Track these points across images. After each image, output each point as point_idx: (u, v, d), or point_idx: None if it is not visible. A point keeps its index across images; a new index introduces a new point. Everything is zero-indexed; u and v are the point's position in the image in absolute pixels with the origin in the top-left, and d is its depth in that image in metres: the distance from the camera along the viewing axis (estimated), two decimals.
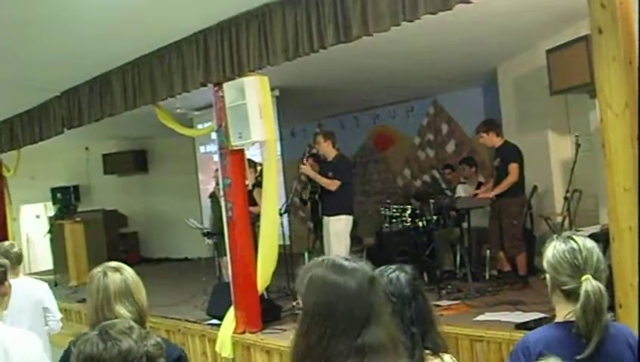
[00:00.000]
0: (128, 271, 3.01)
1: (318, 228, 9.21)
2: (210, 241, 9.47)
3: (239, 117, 6.83)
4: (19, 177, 12.29)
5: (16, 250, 5.37)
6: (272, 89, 7.63)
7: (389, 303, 2.34)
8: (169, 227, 15.79)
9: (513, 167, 7.96)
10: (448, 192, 10.07)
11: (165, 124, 8.45)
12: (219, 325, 7.32)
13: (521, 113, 9.66)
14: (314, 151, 9.26)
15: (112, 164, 16.95)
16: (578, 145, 7.21)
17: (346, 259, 1.93)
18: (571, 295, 2.51)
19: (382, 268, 2.55)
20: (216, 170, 8.44)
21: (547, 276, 2.62)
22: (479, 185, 9.67)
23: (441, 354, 2.47)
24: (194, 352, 7.79)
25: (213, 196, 9.33)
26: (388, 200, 10.27)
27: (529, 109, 9.37)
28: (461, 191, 9.79)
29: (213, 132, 7.82)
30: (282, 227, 8.64)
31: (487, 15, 6.92)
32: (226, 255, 7.64)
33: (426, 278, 8.72)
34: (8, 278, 5.21)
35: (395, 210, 9.27)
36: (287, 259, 8.45)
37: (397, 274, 2.54)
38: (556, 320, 2.62)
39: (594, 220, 7.38)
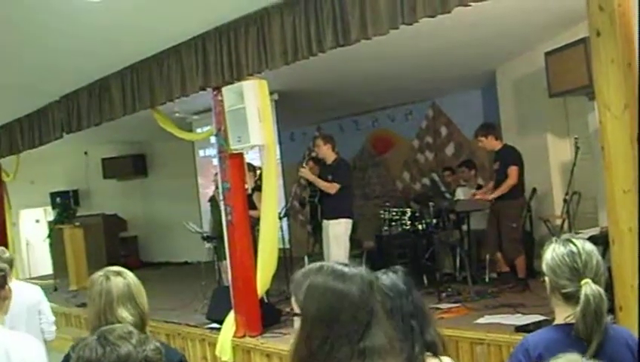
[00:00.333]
0: (130, 275, 3.01)
1: (317, 232, 9.21)
2: (209, 245, 9.46)
3: (238, 121, 6.83)
4: (18, 182, 12.30)
5: (7, 255, 5.36)
6: (271, 93, 7.63)
7: (387, 302, 2.38)
8: (169, 231, 15.79)
9: (512, 170, 7.97)
10: (448, 195, 10.06)
11: (164, 128, 8.46)
12: (219, 329, 7.31)
13: (520, 116, 9.67)
14: (313, 154, 9.27)
15: (112, 168, 16.94)
16: (577, 148, 7.22)
17: (345, 265, 1.94)
18: (571, 298, 2.50)
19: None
20: (216, 173, 8.44)
21: (546, 279, 2.62)
22: (479, 187, 9.68)
23: (441, 357, 2.47)
24: (194, 356, 7.79)
25: (213, 200, 9.32)
26: (387, 204, 10.27)
27: (528, 112, 9.38)
28: (460, 194, 9.78)
29: (213, 136, 7.82)
30: (282, 231, 8.63)
31: (486, 18, 6.92)
32: (225, 259, 7.63)
33: (425, 281, 8.72)
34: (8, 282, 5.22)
35: (394, 213, 9.27)
36: (287, 263, 8.44)
37: (389, 273, 2.56)
38: (555, 322, 2.61)
39: (593, 222, 7.38)
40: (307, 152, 9.58)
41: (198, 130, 11.77)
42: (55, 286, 12.99)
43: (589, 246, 2.58)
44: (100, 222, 16.00)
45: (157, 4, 6.26)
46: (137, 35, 7.09)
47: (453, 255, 9.28)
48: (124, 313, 2.87)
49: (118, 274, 2.99)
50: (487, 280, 8.64)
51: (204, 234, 9.60)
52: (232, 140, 6.98)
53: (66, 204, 16.54)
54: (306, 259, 9.17)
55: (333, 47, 5.80)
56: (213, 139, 8.72)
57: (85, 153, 16.52)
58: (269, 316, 7.38)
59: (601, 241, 4.83)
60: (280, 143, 10.37)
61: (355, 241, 9.20)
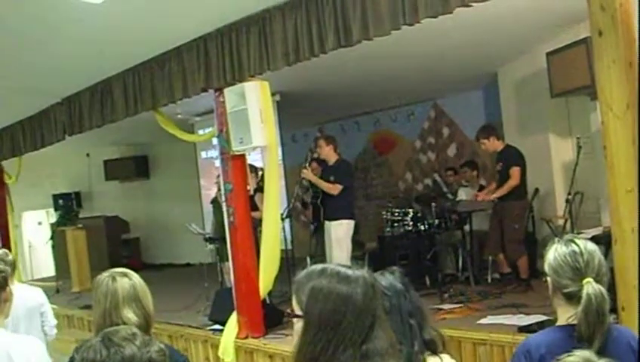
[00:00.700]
0: (135, 277, 3.02)
1: (318, 232, 9.21)
2: (212, 247, 9.46)
3: (240, 122, 6.83)
4: (20, 184, 12.30)
5: (9, 257, 5.37)
6: (273, 94, 7.64)
7: (386, 301, 2.38)
8: (171, 233, 15.80)
9: (515, 171, 7.97)
10: (450, 196, 10.06)
11: (166, 129, 8.45)
12: (221, 330, 7.31)
13: (522, 116, 9.66)
14: (315, 155, 9.27)
15: (114, 170, 16.95)
16: (579, 148, 7.22)
17: (348, 267, 1.94)
18: (573, 298, 2.50)
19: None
20: (218, 175, 8.44)
21: (548, 279, 2.62)
22: (481, 188, 9.67)
23: (440, 354, 2.48)
24: (197, 358, 7.79)
25: (215, 201, 9.33)
26: (389, 204, 10.26)
27: (530, 112, 9.37)
28: (463, 194, 9.78)
29: (215, 137, 7.82)
30: (284, 232, 8.63)
31: (488, 18, 6.92)
32: (228, 260, 7.63)
33: (428, 282, 8.72)
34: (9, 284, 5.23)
35: (396, 214, 9.26)
36: (289, 264, 8.44)
37: (386, 273, 2.57)
38: (558, 323, 2.61)
39: (596, 222, 7.37)
40: (309, 153, 9.57)
41: (200, 132, 11.76)
42: (57, 288, 12.99)
43: (591, 246, 2.58)
44: (102, 224, 16.01)
45: (158, 6, 6.27)
46: (139, 36, 7.10)
47: (456, 255, 9.29)
48: (130, 314, 2.87)
49: (124, 275, 2.99)
50: (489, 280, 8.64)
51: (207, 236, 9.61)
52: (234, 141, 6.98)
53: (68, 206, 16.57)
54: (308, 260, 9.18)
55: (335, 48, 5.80)
56: (215, 141, 8.73)
57: (87, 155, 16.50)
58: (271, 317, 7.37)
59: (604, 241, 4.84)
60: (282, 144, 10.35)
61: (357, 242, 9.20)
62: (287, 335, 6.89)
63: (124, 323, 2.75)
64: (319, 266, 1.96)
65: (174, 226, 14.87)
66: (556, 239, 2.67)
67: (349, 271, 1.91)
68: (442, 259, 9.23)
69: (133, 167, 16.88)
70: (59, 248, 14.48)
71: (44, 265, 16.62)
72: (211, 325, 7.81)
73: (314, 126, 14.63)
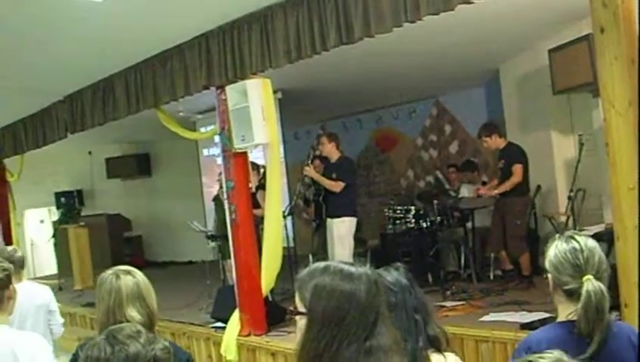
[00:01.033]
0: (139, 275, 3.02)
1: (320, 230, 9.21)
2: (214, 244, 9.46)
3: (242, 119, 6.83)
4: (22, 182, 12.31)
5: (19, 254, 5.39)
6: (275, 91, 7.65)
7: (392, 296, 2.40)
8: (173, 230, 15.81)
9: (517, 168, 7.96)
10: (452, 193, 10.07)
11: (168, 127, 8.45)
12: (224, 328, 7.32)
13: (524, 113, 9.66)
14: (317, 153, 9.27)
15: (116, 168, 16.96)
16: (581, 145, 7.21)
17: (351, 264, 1.94)
18: (573, 295, 2.51)
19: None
20: (220, 173, 8.45)
21: (549, 276, 2.63)
22: (483, 184, 9.68)
23: (445, 353, 2.48)
24: (199, 355, 7.80)
25: (217, 199, 9.33)
26: (391, 202, 10.27)
27: (532, 109, 9.37)
28: (465, 191, 9.79)
29: (216, 135, 7.82)
30: (286, 229, 8.64)
31: (489, 15, 6.92)
32: (230, 258, 7.64)
33: (430, 279, 8.72)
34: (13, 282, 5.25)
35: (398, 211, 9.27)
36: (292, 262, 8.45)
37: (391, 269, 2.57)
38: (558, 319, 2.62)
39: (598, 219, 7.37)
40: (311, 151, 9.58)
41: (202, 130, 11.77)
42: (60, 286, 13.00)
43: (592, 243, 2.59)
44: (104, 222, 16.01)
45: (160, 4, 6.27)
46: (140, 34, 7.10)
47: (458, 252, 9.29)
48: (133, 312, 2.87)
49: (128, 273, 2.99)
50: (491, 277, 8.64)
51: (209, 233, 9.61)
52: (236, 139, 6.98)
53: (70, 204, 16.59)
54: (310, 257, 9.17)
55: (337, 46, 5.80)
56: (217, 138, 8.74)
57: (89, 153, 16.52)
58: (273, 315, 7.38)
59: (606, 238, 4.84)
60: (284, 142, 10.36)
61: (359, 240, 9.20)
62: (289, 332, 6.90)
63: (128, 322, 2.74)
64: (322, 264, 1.96)
65: (176, 224, 14.87)
66: (557, 236, 2.67)
67: (352, 268, 1.92)
68: (444, 256, 9.24)
69: (135, 165, 16.88)
70: (61, 246, 14.49)
71: (47, 263, 16.64)
72: (214, 323, 7.82)
73: (316, 123, 14.62)
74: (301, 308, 1.91)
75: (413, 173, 13.59)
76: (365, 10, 5.45)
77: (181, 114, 10.49)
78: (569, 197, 7.39)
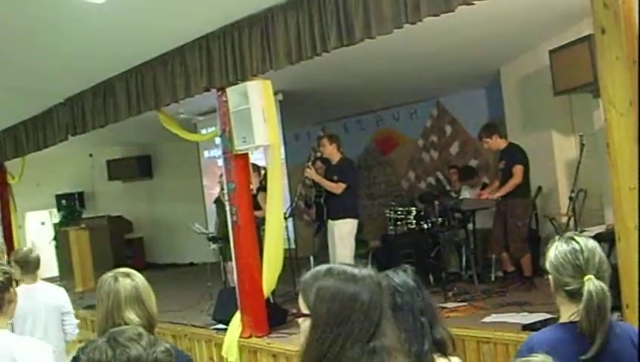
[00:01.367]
0: (139, 277, 3.01)
1: (322, 231, 9.21)
2: (215, 246, 9.46)
3: (243, 121, 6.84)
4: (24, 184, 12.32)
5: (35, 254, 5.42)
6: (276, 93, 7.65)
7: (398, 298, 2.43)
8: (174, 232, 15.83)
9: (518, 169, 7.95)
10: (453, 194, 10.07)
11: (169, 129, 8.45)
12: (225, 330, 7.32)
13: (525, 113, 9.66)
14: (318, 154, 9.27)
15: (117, 170, 16.97)
16: (582, 145, 7.20)
17: (354, 266, 1.95)
18: (574, 295, 2.51)
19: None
20: (221, 174, 8.45)
21: (550, 277, 2.62)
22: (484, 186, 9.68)
23: (450, 357, 2.48)
24: (200, 357, 7.80)
25: (218, 201, 9.33)
26: (393, 203, 10.29)
27: (533, 110, 9.37)
28: (466, 192, 9.79)
29: (217, 137, 7.82)
30: (287, 231, 8.64)
31: (490, 16, 6.91)
32: (231, 259, 7.63)
33: (431, 280, 8.72)
34: (27, 283, 5.28)
35: (400, 213, 9.27)
36: (293, 263, 8.46)
37: (399, 271, 2.58)
38: (560, 320, 2.62)
39: (599, 220, 7.37)
40: (312, 153, 9.59)
41: (203, 131, 11.77)
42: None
43: (592, 243, 2.59)
44: (105, 224, 16.02)
45: (160, 6, 6.27)
46: (141, 36, 7.10)
47: (459, 254, 9.29)
48: (132, 315, 2.86)
49: (127, 275, 2.98)
50: (493, 278, 8.63)
51: (210, 235, 9.61)
52: (237, 141, 6.98)
53: (71, 206, 16.62)
54: (311, 259, 9.19)
55: (338, 47, 5.80)
56: (217, 140, 8.74)
57: (90, 155, 16.52)
58: (275, 316, 7.38)
59: (608, 239, 4.84)
60: (284, 143, 10.36)
61: (360, 241, 9.19)
62: (290, 334, 6.90)
63: (126, 324, 2.74)
64: (325, 266, 1.97)
65: (177, 226, 14.90)
66: (557, 237, 2.67)
67: (355, 270, 1.92)
68: (446, 257, 9.23)
69: (136, 167, 16.90)
70: (62, 248, 14.50)
71: (48, 265, 16.52)
72: (215, 324, 7.82)
73: (317, 125, 14.63)
74: (305, 310, 1.92)
75: (414, 174, 13.58)
76: (366, 11, 5.45)
77: (182, 116, 10.50)
78: (570, 198, 7.38)
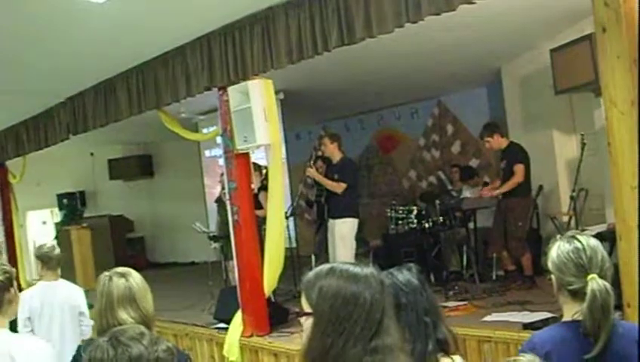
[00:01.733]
0: (134, 277, 3.00)
1: (322, 230, 9.22)
2: (216, 245, 9.47)
3: (244, 120, 6.83)
4: (25, 184, 12.31)
5: (57, 252, 5.43)
6: (277, 92, 7.63)
7: (402, 297, 2.44)
8: (175, 231, 15.84)
9: (519, 168, 7.94)
10: (454, 193, 10.06)
11: (170, 128, 8.46)
12: (226, 329, 7.32)
13: (526, 113, 9.66)
14: (319, 153, 9.28)
15: (118, 169, 16.97)
16: (584, 144, 7.20)
17: (355, 265, 1.96)
18: (577, 294, 2.51)
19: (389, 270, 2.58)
20: (222, 174, 8.45)
21: (552, 276, 2.62)
22: (485, 185, 9.68)
23: (452, 356, 2.48)
24: (202, 356, 7.80)
25: (220, 200, 9.34)
26: (394, 202, 10.26)
27: (534, 109, 9.37)
28: (467, 192, 9.79)
29: (219, 136, 7.82)
30: (288, 230, 8.64)
31: (491, 15, 6.92)
32: (232, 258, 7.63)
33: (432, 279, 8.72)
34: (47, 280, 5.30)
35: (401, 212, 9.26)
36: (294, 262, 8.46)
37: (403, 270, 2.58)
38: (563, 319, 2.62)
39: (600, 219, 7.36)
40: (313, 152, 9.59)
41: (204, 131, 11.78)
42: None
43: (594, 242, 2.59)
44: (106, 223, 16.03)
45: (161, 5, 6.27)
46: (142, 35, 7.10)
47: (460, 253, 9.28)
48: (124, 315, 2.86)
49: (122, 275, 2.98)
50: (494, 277, 8.63)
51: (211, 234, 9.62)
52: (238, 140, 6.98)
53: (72, 206, 16.61)
54: (312, 258, 9.19)
55: (339, 46, 5.79)
56: (219, 140, 8.73)
57: (91, 154, 16.54)
58: (276, 315, 7.38)
59: (609, 238, 4.83)
60: (286, 142, 10.36)
61: (361, 240, 9.20)
62: (292, 333, 6.90)
63: (120, 324, 2.74)
64: (327, 265, 1.98)
65: (179, 225, 14.91)
66: (558, 236, 2.67)
67: (358, 269, 1.93)
68: (447, 256, 9.23)
69: (137, 166, 16.90)
70: (63, 247, 14.33)
71: None
72: (216, 323, 7.82)
73: (318, 124, 14.63)
74: (307, 309, 1.93)
75: (416, 173, 13.58)
76: (367, 10, 5.45)
77: (183, 115, 10.50)
78: (571, 197, 7.38)
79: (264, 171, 8.57)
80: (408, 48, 7.93)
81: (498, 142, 8.28)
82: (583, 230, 5.91)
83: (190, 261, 15.75)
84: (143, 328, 1.99)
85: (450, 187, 10.61)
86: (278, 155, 7.07)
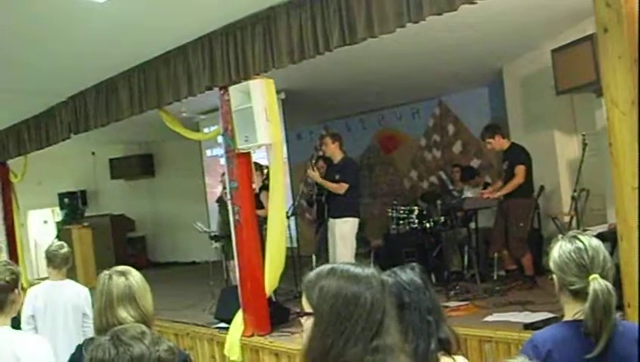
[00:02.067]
0: (134, 276, 3.00)
1: (323, 230, 9.22)
2: (217, 245, 9.46)
3: (245, 120, 6.83)
4: (26, 183, 12.33)
5: (63, 251, 5.42)
6: (278, 92, 7.64)
7: (406, 296, 2.44)
8: (176, 231, 15.85)
9: (520, 169, 7.93)
10: (455, 193, 10.06)
11: (171, 128, 8.46)
12: (227, 328, 7.32)
13: (527, 113, 9.65)
14: (320, 153, 9.28)
15: (119, 168, 16.99)
16: (585, 144, 7.19)
17: (356, 266, 1.96)
18: (579, 294, 2.51)
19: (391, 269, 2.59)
20: (223, 173, 8.45)
21: (554, 276, 2.62)
22: (486, 185, 9.68)
23: (454, 356, 2.48)
24: (202, 356, 7.80)
25: (221, 200, 9.34)
26: (395, 202, 10.26)
27: (535, 109, 9.36)
28: (468, 191, 9.78)
29: (220, 135, 7.83)
30: (289, 230, 8.64)
31: (492, 15, 6.91)
32: (233, 258, 7.64)
33: (433, 279, 8.71)
34: (53, 279, 5.31)
35: (402, 212, 9.26)
36: (295, 262, 8.46)
37: (406, 269, 2.58)
38: (565, 319, 2.62)
39: (602, 219, 7.36)
40: (315, 152, 9.61)
41: (205, 130, 11.78)
42: None
43: (596, 242, 2.59)
44: (107, 223, 16.06)
45: (162, 4, 6.27)
46: (143, 35, 7.11)
47: (461, 253, 9.27)
48: (124, 314, 2.86)
49: (122, 274, 2.98)
50: (495, 277, 8.63)
51: (212, 234, 9.62)
52: (239, 140, 6.98)
53: (73, 205, 16.61)
54: (313, 257, 9.19)
55: (340, 46, 5.80)
56: (220, 139, 8.73)
57: (93, 153, 16.56)
58: (277, 315, 7.38)
59: (610, 238, 4.83)
60: (287, 142, 10.37)
61: (362, 240, 9.20)
62: (292, 333, 6.90)
63: (119, 323, 2.74)
64: (328, 266, 1.99)
65: (180, 224, 14.92)
66: (560, 236, 2.67)
67: (359, 270, 1.94)
68: (448, 256, 9.23)
69: (138, 166, 16.92)
70: None
71: None
72: (217, 323, 7.82)
73: (319, 124, 14.64)
74: (308, 309, 1.94)
75: (417, 173, 13.58)
76: (368, 10, 5.45)
77: (184, 114, 10.50)
78: (572, 197, 7.38)
79: (265, 171, 8.58)
80: (410, 48, 7.93)
81: (500, 143, 8.27)
82: (584, 230, 5.91)
83: (191, 260, 15.75)
84: (144, 327, 1.99)
85: (451, 187, 10.61)
86: (279, 155, 7.07)
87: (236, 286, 7.48)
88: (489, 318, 6.44)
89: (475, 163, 11.89)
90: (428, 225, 8.92)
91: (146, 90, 8.10)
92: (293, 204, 9.66)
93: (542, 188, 8.81)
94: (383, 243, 10.75)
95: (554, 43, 7.62)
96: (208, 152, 13.62)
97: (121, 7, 6.16)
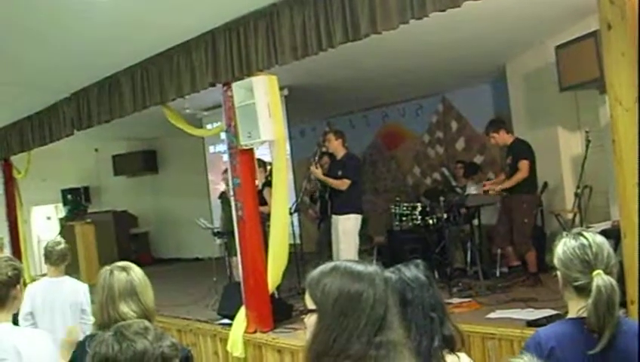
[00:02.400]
0: (135, 271, 3.01)
1: (325, 226, 9.22)
2: (220, 241, 9.47)
3: (248, 116, 6.83)
4: (29, 179, 12.34)
5: (60, 247, 5.41)
6: (281, 88, 7.63)
7: (409, 293, 2.46)
8: (179, 227, 15.85)
9: (524, 164, 7.92)
10: (458, 190, 10.05)
11: (174, 124, 8.46)
12: (230, 325, 7.32)
13: (531, 109, 9.64)
14: (323, 149, 9.28)
15: (122, 164, 17.00)
16: (588, 141, 7.19)
17: (359, 263, 1.97)
18: (583, 291, 2.51)
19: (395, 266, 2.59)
20: (225, 170, 8.45)
21: (558, 273, 2.62)
22: (489, 180, 9.67)
23: (458, 353, 2.48)
24: (205, 352, 7.81)
25: (223, 196, 9.34)
26: (398, 198, 10.26)
27: (538, 105, 9.35)
28: (471, 188, 9.77)
29: (223, 132, 7.82)
30: (292, 226, 8.64)
31: (496, 11, 6.90)
32: (236, 254, 7.63)
33: (436, 276, 8.70)
34: (50, 276, 5.33)
35: (405, 208, 9.25)
36: (298, 258, 8.46)
37: (411, 266, 2.58)
38: (568, 315, 2.62)
39: (605, 216, 7.35)
40: (318, 149, 9.60)
41: (208, 126, 11.77)
42: None
43: (600, 239, 2.59)
44: (110, 219, 16.05)
45: (165, 1, 6.27)
46: (146, 31, 7.10)
47: (464, 249, 9.27)
48: (126, 308, 2.87)
49: (123, 269, 2.99)
50: (498, 274, 8.63)
51: (215, 230, 9.62)
52: (242, 136, 6.98)
53: (76, 201, 16.64)
54: (316, 254, 9.19)
55: (343, 42, 5.79)
56: (223, 135, 8.73)
57: (96, 150, 16.58)
58: (280, 311, 7.39)
59: (613, 235, 4.82)
60: (290, 139, 10.36)
61: (365, 236, 9.19)
62: (295, 329, 6.90)
63: (121, 318, 2.75)
64: (331, 263, 2.00)
65: (183, 221, 14.93)
66: (564, 233, 2.67)
67: (361, 267, 1.94)
68: (451, 253, 9.21)
69: (141, 162, 16.92)
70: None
71: None
72: (220, 319, 7.83)
73: (322, 120, 14.63)
74: (311, 306, 1.94)
75: (420, 170, 13.57)
76: (372, 6, 5.45)
77: (187, 111, 10.50)
78: (576, 194, 7.38)
79: (268, 167, 8.57)
80: (413, 45, 7.92)
81: (503, 138, 8.26)
82: (588, 227, 5.90)
83: (194, 257, 15.77)
84: (147, 323, 2.00)
85: (454, 183, 10.60)
86: (282, 151, 7.06)
87: (239, 283, 7.48)
88: (492, 315, 6.43)
89: (478, 159, 11.87)
90: (431, 221, 8.91)
91: (149, 86, 8.10)
92: (297, 201, 9.67)
93: (545, 184, 8.80)
94: (385, 239, 10.75)
95: (558, 39, 7.61)
96: (211, 149, 13.61)
97: (124, 4, 6.16)
